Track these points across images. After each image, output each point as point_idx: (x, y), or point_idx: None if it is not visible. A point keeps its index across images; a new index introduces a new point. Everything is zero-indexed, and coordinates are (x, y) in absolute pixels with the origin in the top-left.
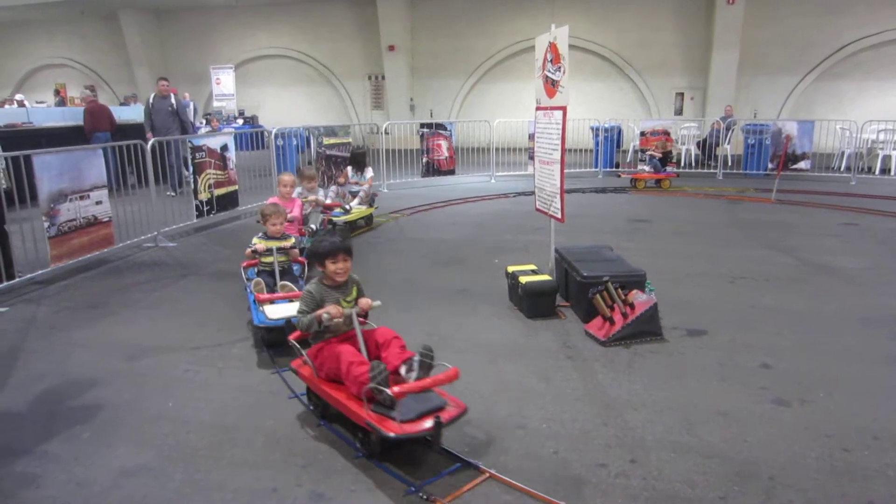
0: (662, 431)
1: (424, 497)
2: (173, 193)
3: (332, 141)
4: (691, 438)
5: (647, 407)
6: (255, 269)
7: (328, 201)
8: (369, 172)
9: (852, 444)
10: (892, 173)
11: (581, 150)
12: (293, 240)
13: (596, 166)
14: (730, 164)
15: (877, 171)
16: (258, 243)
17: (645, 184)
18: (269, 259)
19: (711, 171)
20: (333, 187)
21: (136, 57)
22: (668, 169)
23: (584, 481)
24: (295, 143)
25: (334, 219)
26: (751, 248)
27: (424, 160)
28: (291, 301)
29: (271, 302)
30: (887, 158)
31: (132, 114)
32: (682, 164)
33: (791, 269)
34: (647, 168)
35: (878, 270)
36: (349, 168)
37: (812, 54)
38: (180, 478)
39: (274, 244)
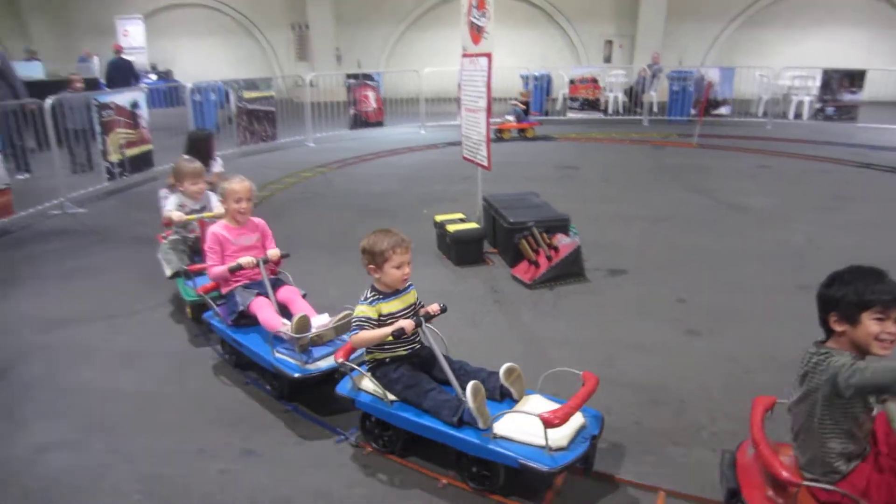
0: (583, 365)
1: (354, 444)
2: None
3: (254, 95)
4: (611, 370)
5: (570, 343)
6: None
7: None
8: (217, 165)
9: (754, 366)
10: (804, 118)
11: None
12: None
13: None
14: (655, 110)
15: (791, 116)
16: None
17: (510, 133)
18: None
19: (638, 117)
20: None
21: (29, 5)
22: (531, 118)
23: None
24: (213, 98)
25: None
26: (672, 191)
27: (352, 112)
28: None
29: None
30: (800, 104)
31: (31, 71)
32: (610, 110)
33: (709, 209)
34: (511, 118)
35: (786, 209)
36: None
37: (736, 1)
38: (101, 448)
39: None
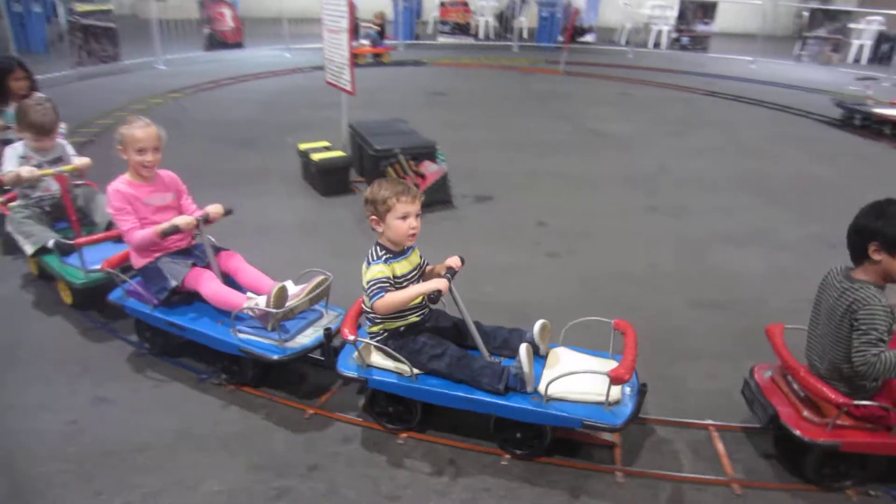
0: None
1: (217, 382)
2: None
3: (88, 8)
4: (476, 294)
5: None
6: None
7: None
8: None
9: (602, 282)
10: (663, 47)
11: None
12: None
13: (396, 37)
14: (525, 36)
15: (651, 46)
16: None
17: (365, 58)
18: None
19: (509, 43)
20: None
21: None
22: (386, 42)
23: None
24: (39, 10)
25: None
26: (538, 118)
27: (207, 31)
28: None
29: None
30: (659, 33)
31: None
32: (481, 35)
33: (571, 135)
34: (365, 42)
35: (641, 135)
36: None
37: None
38: None
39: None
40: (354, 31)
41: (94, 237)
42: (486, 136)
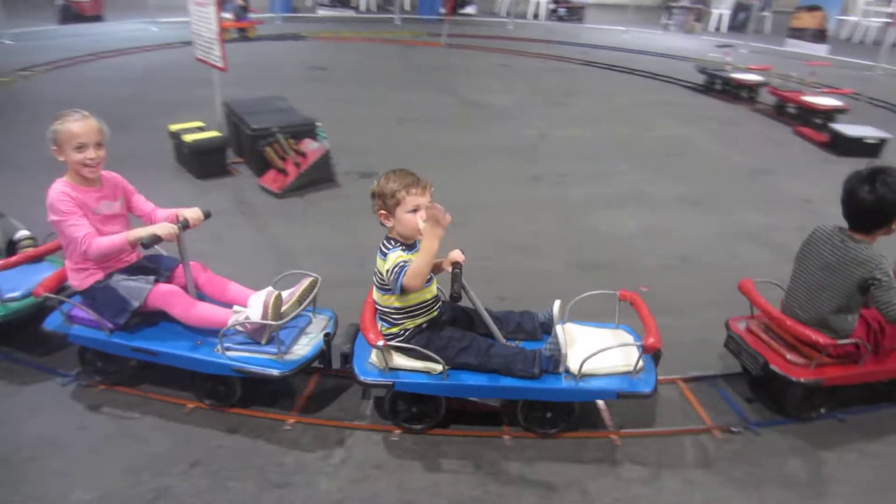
0: (335, 271)
1: (85, 384)
2: None
3: None
4: (363, 272)
5: (322, 250)
6: None
7: None
8: None
9: (489, 253)
10: (542, 18)
11: None
12: None
13: (273, 10)
14: (408, 8)
15: (530, 17)
16: None
17: (229, 33)
18: None
19: (391, 15)
20: None
21: None
22: (250, 16)
23: None
24: None
25: None
26: (420, 91)
27: (61, 3)
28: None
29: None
30: (538, 4)
31: None
32: (363, 8)
33: (454, 108)
34: (228, 16)
35: (523, 106)
36: None
37: None
38: None
39: None
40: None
41: (7, 261)
42: (368, 110)
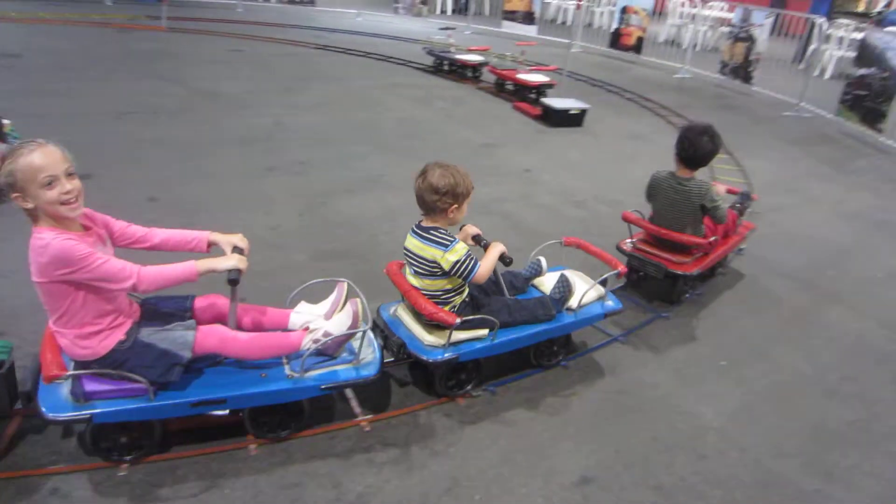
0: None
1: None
2: None
3: None
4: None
5: (26, 274)
6: None
7: None
8: None
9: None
10: (273, 1)
11: None
12: None
13: None
14: None
15: (261, 0)
16: None
17: None
18: None
19: None
20: None
21: None
22: None
23: None
24: None
25: None
26: (139, 81)
27: None
28: None
29: None
30: None
31: None
32: None
33: (179, 98)
34: None
35: (257, 93)
36: None
37: None
38: None
39: None
40: None
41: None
42: (75, 104)
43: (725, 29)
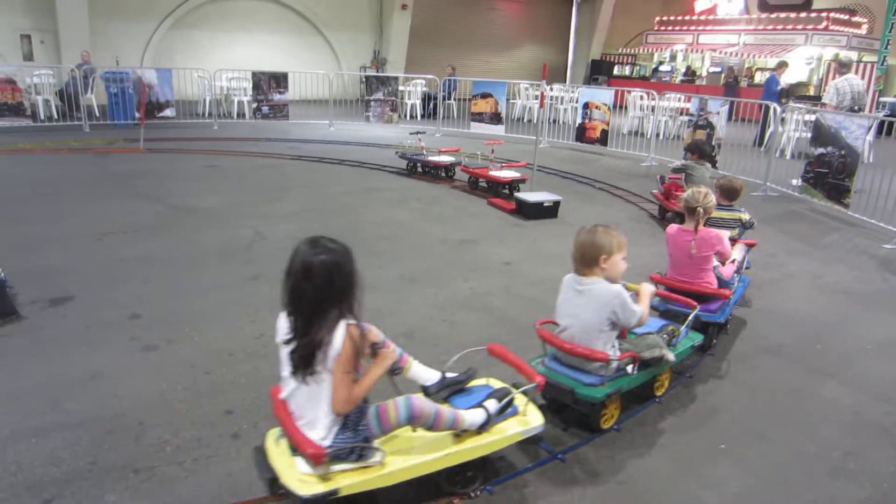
0: (20, 420)
1: None
2: None
3: None
4: (55, 415)
5: (5, 397)
6: None
7: None
8: None
9: (212, 365)
10: (247, 117)
11: None
12: None
13: None
14: (97, 114)
15: (234, 116)
16: None
17: None
18: None
19: (77, 122)
20: None
21: None
22: None
23: None
24: None
25: None
26: (120, 201)
27: None
28: None
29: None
30: (241, 104)
31: None
32: (42, 116)
33: (160, 216)
34: None
35: (234, 206)
36: None
37: (161, 4)
38: None
39: None
40: None
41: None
42: (57, 229)
43: (685, 118)
